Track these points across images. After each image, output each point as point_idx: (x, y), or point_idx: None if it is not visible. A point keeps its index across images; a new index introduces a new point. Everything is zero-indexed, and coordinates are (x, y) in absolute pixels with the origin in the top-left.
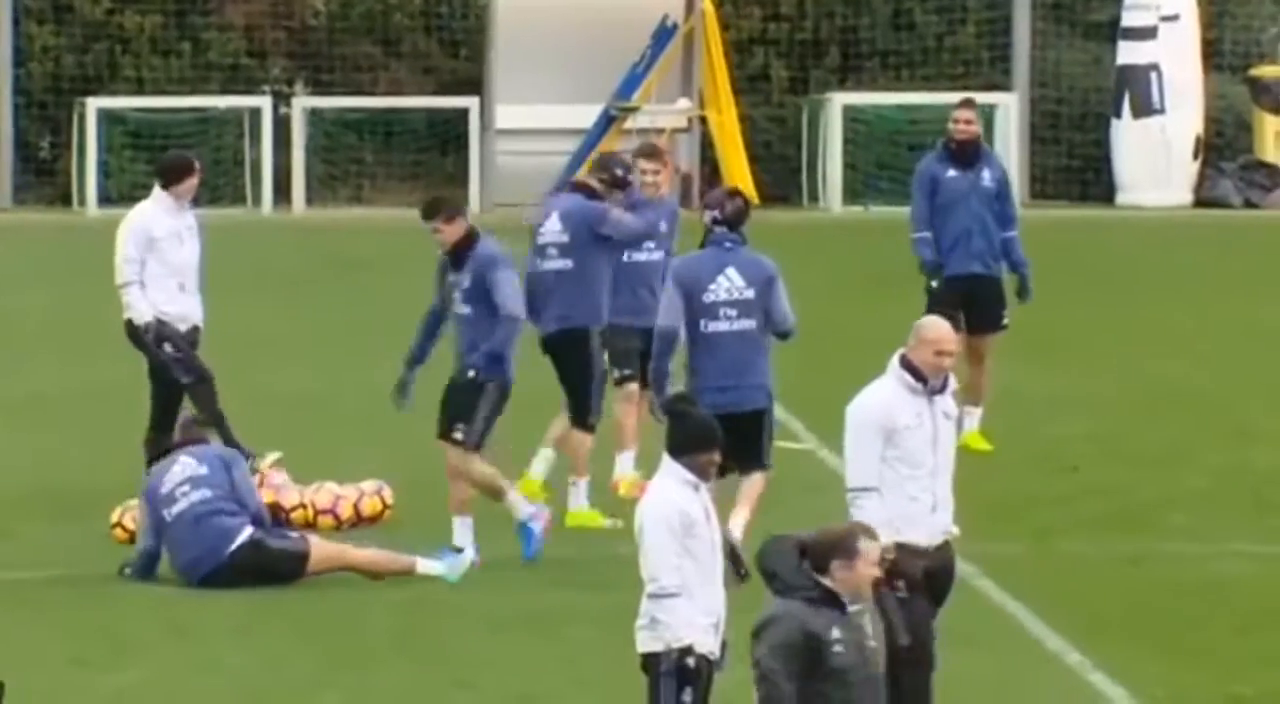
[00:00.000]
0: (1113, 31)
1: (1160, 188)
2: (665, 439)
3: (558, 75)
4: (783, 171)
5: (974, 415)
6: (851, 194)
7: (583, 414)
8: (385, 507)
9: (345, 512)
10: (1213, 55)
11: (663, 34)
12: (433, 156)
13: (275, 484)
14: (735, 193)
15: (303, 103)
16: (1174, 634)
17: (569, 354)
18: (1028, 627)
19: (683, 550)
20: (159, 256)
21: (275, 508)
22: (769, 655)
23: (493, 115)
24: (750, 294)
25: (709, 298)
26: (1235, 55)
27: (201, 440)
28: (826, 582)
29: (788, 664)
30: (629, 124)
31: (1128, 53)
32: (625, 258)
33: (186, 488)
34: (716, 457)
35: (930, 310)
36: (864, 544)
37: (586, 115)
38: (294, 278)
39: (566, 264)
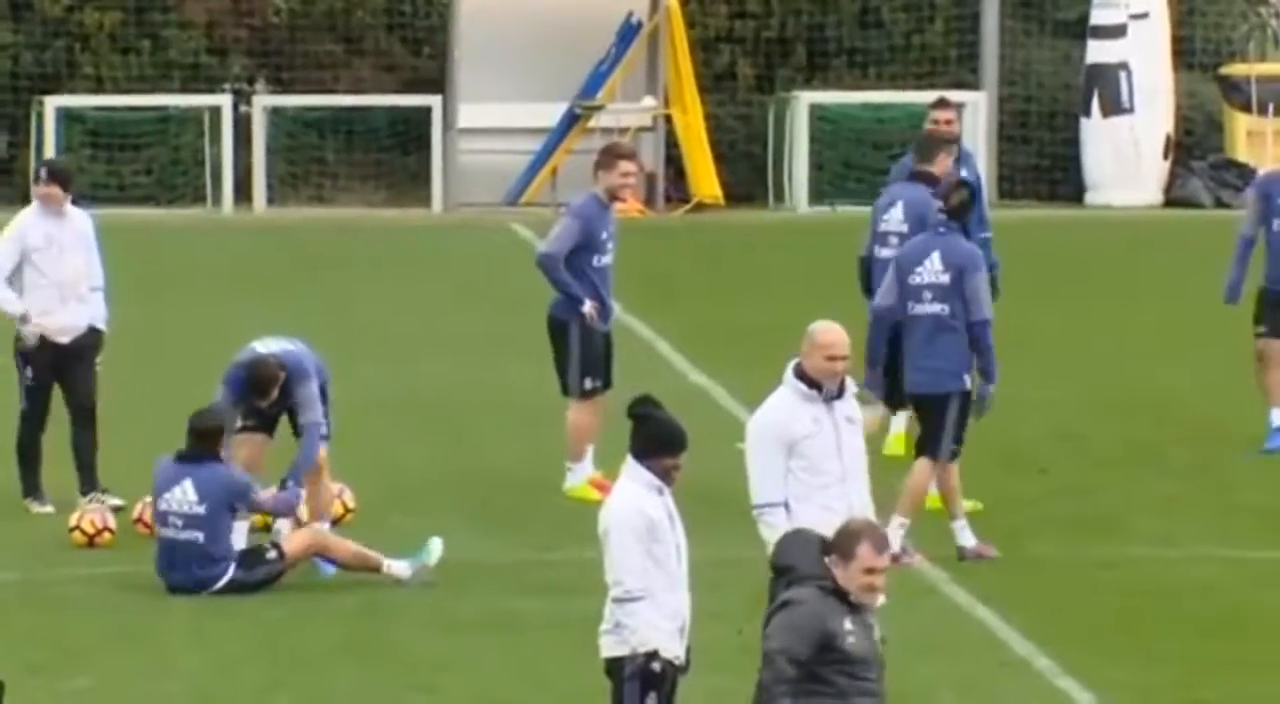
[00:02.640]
0: (1082, 29)
1: (1130, 187)
2: (630, 441)
3: (521, 73)
4: (748, 171)
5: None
6: (818, 194)
7: None
8: (346, 510)
9: (306, 514)
10: (1183, 53)
11: (627, 32)
12: (395, 156)
13: None
14: (962, 184)
15: (264, 101)
16: (1143, 639)
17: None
18: (996, 632)
19: (647, 554)
20: (35, 267)
21: None
22: (778, 636)
23: (455, 114)
24: (945, 279)
25: (914, 280)
26: (1206, 53)
27: (214, 459)
28: (837, 577)
29: (797, 646)
30: (593, 123)
31: (1097, 51)
32: (595, 263)
33: (180, 523)
34: (680, 460)
35: None
36: (863, 550)
37: (550, 114)
38: (255, 278)
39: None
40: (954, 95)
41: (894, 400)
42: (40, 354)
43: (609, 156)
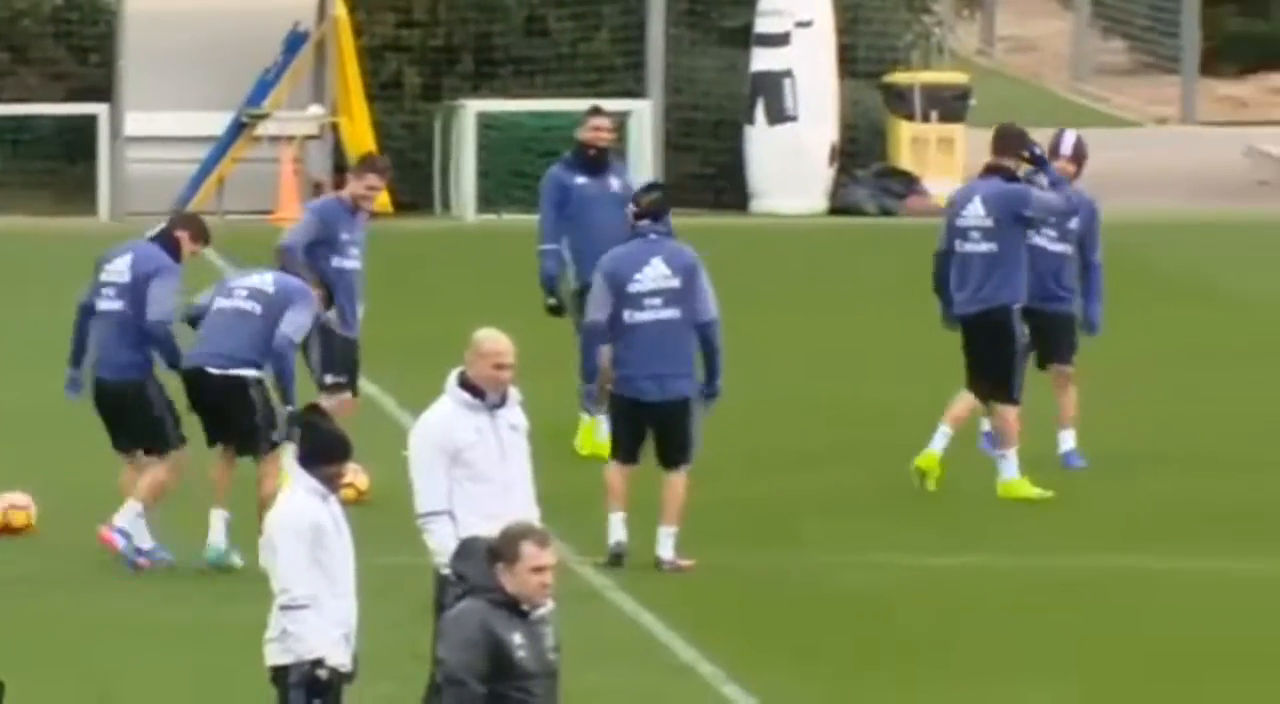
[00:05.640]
0: (747, 38)
1: (795, 195)
2: (296, 449)
3: (189, 82)
4: (416, 179)
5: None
6: (485, 202)
7: (1008, 389)
8: (30, 522)
9: None
10: (847, 62)
11: (294, 40)
12: (62, 164)
13: None
14: (653, 186)
15: None
16: (807, 645)
17: (991, 333)
18: (661, 639)
19: (313, 561)
20: None
21: None
22: (452, 655)
23: (122, 122)
24: (676, 283)
25: (634, 288)
26: (870, 62)
27: (297, 275)
28: (506, 585)
29: (475, 664)
30: (260, 131)
31: (761, 59)
32: (335, 263)
33: (245, 293)
34: (344, 469)
35: (578, 322)
36: (526, 548)
37: (218, 122)
38: None
39: (991, 247)
40: (620, 104)
41: None
42: None
43: (360, 166)
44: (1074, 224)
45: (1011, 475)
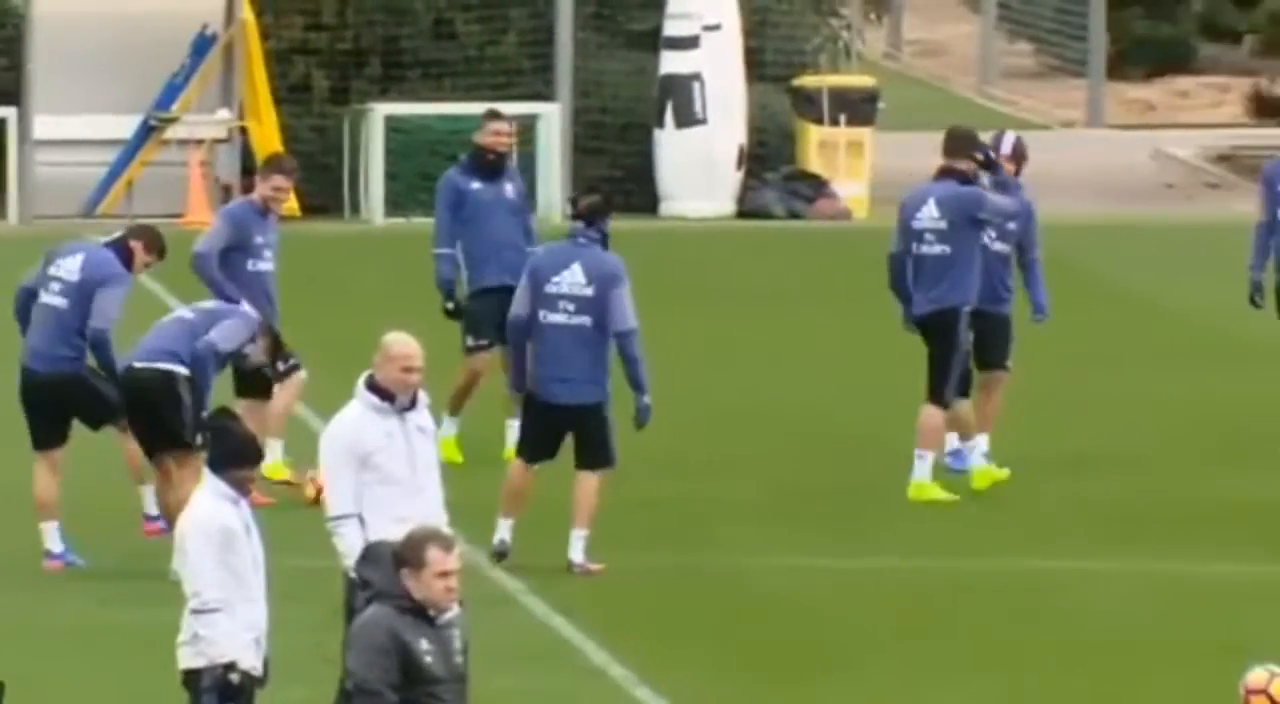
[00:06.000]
0: (655, 41)
1: (703, 198)
2: (207, 453)
3: (98, 85)
4: (325, 182)
5: (514, 429)
6: (393, 205)
7: (940, 391)
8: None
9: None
10: (755, 65)
11: (202, 43)
12: None
13: None
14: (591, 189)
15: None
16: (719, 646)
17: (936, 334)
18: (573, 642)
19: (224, 565)
20: None
21: None
22: (362, 664)
23: (30, 126)
24: (590, 292)
25: (550, 289)
26: (778, 65)
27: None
28: (412, 590)
29: (383, 671)
30: (169, 135)
31: (670, 62)
32: (251, 266)
33: (186, 308)
34: (254, 473)
35: (466, 327)
36: (432, 554)
37: (127, 126)
38: None
39: (945, 249)
40: (528, 107)
41: None
42: None
43: (266, 168)
44: (1012, 225)
45: (923, 477)
